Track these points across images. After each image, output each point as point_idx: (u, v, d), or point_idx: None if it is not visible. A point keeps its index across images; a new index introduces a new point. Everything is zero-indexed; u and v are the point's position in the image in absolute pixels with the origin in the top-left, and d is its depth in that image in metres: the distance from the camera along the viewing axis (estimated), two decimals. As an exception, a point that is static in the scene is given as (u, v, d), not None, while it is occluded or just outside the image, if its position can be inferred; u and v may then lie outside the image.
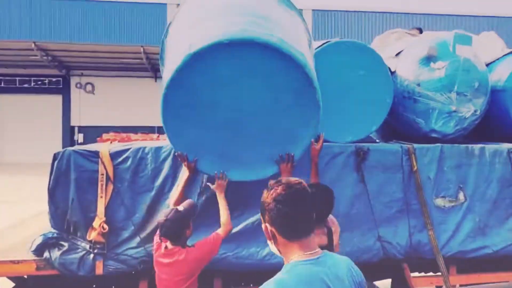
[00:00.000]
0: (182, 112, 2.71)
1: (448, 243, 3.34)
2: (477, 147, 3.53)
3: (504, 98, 3.96)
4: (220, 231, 2.72)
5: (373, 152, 3.35)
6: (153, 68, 16.62)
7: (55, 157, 3.04)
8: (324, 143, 3.40)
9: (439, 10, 15.00)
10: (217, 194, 2.84)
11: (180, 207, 2.57)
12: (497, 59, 4.27)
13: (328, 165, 3.28)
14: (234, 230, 2.90)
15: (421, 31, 4.95)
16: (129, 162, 3.08)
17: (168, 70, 2.75)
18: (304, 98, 2.77)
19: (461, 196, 3.42)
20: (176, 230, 2.50)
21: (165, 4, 14.13)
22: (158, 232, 2.61)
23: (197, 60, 2.56)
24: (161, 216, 2.55)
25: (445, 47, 3.77)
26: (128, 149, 3.11)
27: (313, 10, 15.22)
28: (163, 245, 2.56)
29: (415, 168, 3.39)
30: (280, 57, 2.61)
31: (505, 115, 3.96)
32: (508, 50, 4.38)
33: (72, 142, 18.14)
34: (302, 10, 15.17)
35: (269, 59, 2.61)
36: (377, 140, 4.47)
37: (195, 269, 2.57)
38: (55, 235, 3.02)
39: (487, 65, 4.12)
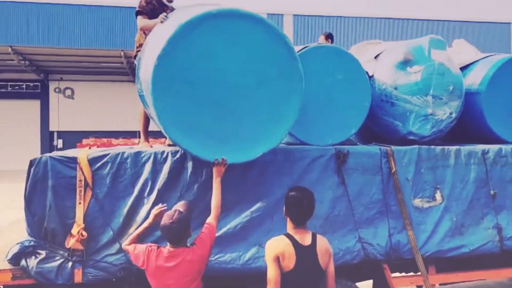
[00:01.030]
0: (172, 88, 2.74)
1: (427, 243, 3.41)
2: (452, 148, 3.62)
3: (478, 101, 4.07)
4: (211, 219, 2.74)
5: (353, 155, 3.40)
6: (133, 72, 16.43)
7: (31, 163, 2.97)
8: (304, 146, 3.44)
9: (417, 15, 15.35)
10: (214, 177, 2.88)
11: (180, 208, 2.55)
12: (471, 63, 4.40)
13: (308, 168, 3.32)
14: (217, 234, 2.89)
15: None
16: (107, 168, 3.03)
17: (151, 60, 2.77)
18: (286, 71, 2.92)
19: (438, 196, 3.50)
20: (182, 231, 2.48)
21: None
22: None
23: (186, 33, 2.68)
24: (165, 220, 2.49)
25: (421, 52, 3.86)
26: (107, 155, 3.06)
27: (294, 15, 15.36)
28: (164, 249, 2.52)
29: (394, 169, 3.45)
30: (263, 29, 2.81)
31: (479, 117, 4.07)
32: (482, 55, 4.51)
33: (51, 148, 17.76)
34: (283, 14, 15.32)
35: (253, 31, 2.79)
36: (357, 143, 4.53)
37: (203, 266, 2.58)
38: (32, 243, 2.94)
39: (461, 69, 4.24)
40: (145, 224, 2.82)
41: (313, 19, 15.34)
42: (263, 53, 2.84)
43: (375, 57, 4.13)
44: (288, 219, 2.50)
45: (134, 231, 2.87)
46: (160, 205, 2.83)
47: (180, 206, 2.62)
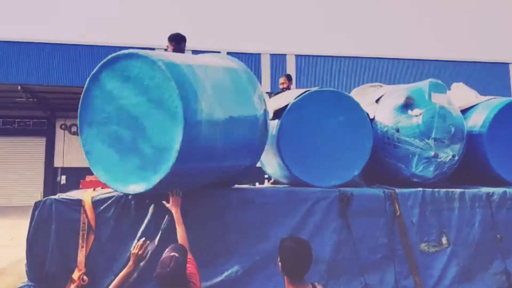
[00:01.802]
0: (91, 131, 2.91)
1: (434, 289, 3.33)
2: (457, 191, 3.61)
3: (481, 143, 4.10)
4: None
5: (357, 197, 3.39)
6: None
7: (36, 206, 2.98)
8: (307, 188, 3.44)
9: (417, 55, 15.69)
10: (173, 212, 2.83)
11: (175, 253, 2.41)
12: (472, 106, 4.47)
13: (312, 210, 3.31)
14: (218, 279, 2.84)
15: None
16: (112, 210, 3.04)
17: None
18: (164, 100, 2.70)
19: (444, 240, 3.45)
20: (180, 278, 2.36)
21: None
22: None
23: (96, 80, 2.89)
24: (161, 268, 2.31)
25: (421, 95, 3.95)
26: (111, 197, 3.07)
27: (296, 55, 15.76)
28: None
29: (398, 213, 3.43)
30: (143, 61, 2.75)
31: (482, 159, 4.09)
32: (482, 98, 4.59)
33: (55, 184, 17.76)
34: (286, 54, 15.71)
35: (146, 69, 2.73)
36: (361, 184, 4.53)
37: None
38: (31, 287, 2.90)
39: (463, 112, 4.30)
40: (127, 269, 2.68)
41: (315, 59, 15.72)
42: (146, 85, 2.76)
43: (376, 101, 4.21)
44: (285, 276, 2.24)
45: (114, 280, 2.71)
46: (141, 241, 2.73)
47: (174, 250, 2.46)
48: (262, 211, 3.23)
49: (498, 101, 4.30)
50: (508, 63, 16.32)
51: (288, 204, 3.28)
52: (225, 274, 3.04)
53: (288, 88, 5.62)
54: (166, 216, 3.07)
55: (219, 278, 2.99)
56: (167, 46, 4.41)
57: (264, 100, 3.39)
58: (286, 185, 4.05)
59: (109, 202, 3.05)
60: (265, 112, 3.35)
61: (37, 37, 15.93)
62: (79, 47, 14.34)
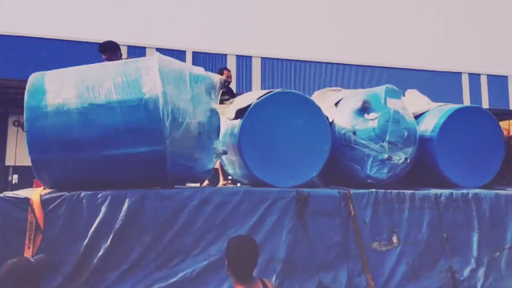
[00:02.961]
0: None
1: (385, 287, 3.44)
2: (408, 192, 3.75)
3: (431, 147, 4.29)
4: None
5: (313, 198, 3.46)
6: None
7: (-21, 204, 2.81)
8: (266, 188, 3.47)
9: (375, 62, 16.24)
10: None
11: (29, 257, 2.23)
12: (424, 112, 4.67)
13: (269, 209, 3.33)
14: (173, 279, 2.80)
15: None
16: (62, 209, 2.92)
17: None
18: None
19: (394, 239, 3.58)
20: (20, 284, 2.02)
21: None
22: None
23: None
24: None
25: (377, 100, 4.08)
26: (62, 195, 2.95)
27: (261, 57, 15.86)
28: None
29: (353, 213, 3.52)
30: None
31: (432, 162, 4.27)
32: (434, 104, 4.81)
33: (6, 183, 16.83)
34: (251, 57, 15.78)
35: None
36: (320, 185, 4.62)
37: None
38: (-29, 290, 2.73)
39: (416, 117, 4.49)
40: None
41: (280, 62, 15.89)
42: None
43: (336, 104, 4.32)
44: (232, 275, 2.24)
45: None
46: None
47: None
48: (220, 210, 3.21)
49: (449, 108, 4.52)
50: (461, 73, 17.22)
51: (246, 204, 3.29)
52: (180, 274, 3.00)
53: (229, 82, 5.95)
54: (119, 215, 2.99)
55: (174, 279, 2.94)
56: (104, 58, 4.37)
57: (165, 82, 3.08)
58: (245, 185, 4.06)
59: (59, 200, 2.93)
60: (164, 93, 3.00)
61: (-11, 28, 15.10)
62: (35, 39, 13.70)
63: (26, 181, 14.52)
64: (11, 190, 3.34)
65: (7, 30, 13.45)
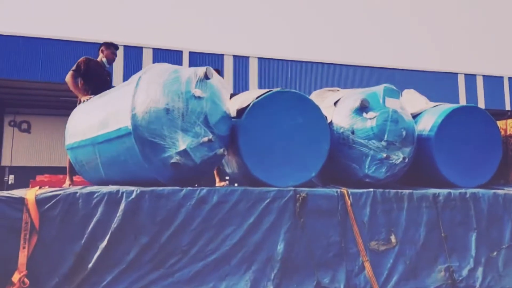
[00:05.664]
0: None
1: (384, 286, 3.42)
2: (406, 192, 3.74)
3: (429, 146, 4.29)
4: None
5: (311, 197, 3.44)
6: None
7: (-27, 204, 2.77)
8: (264, 188, 3.45)
9: (373, 63, 16.27)
10: None
11: None
12: (422, 111, 4.67)
13: (267, 209, 3.31)
14: (170, 279, 2.77)
15: None
16: (58, 209, 2.88)
17: None
18: None
19: (393, 239, 3.57)
20: None
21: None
22: None
23: None
24: None
25: (376, 99, 4.08)
26: (57, 195, 2.92)
27: (258, 58, 15.85)
28: None
29: (351, 212, 3.51)
30: None
31: (430, 162, 4.27)
32: (432, 104, 4.81)
33: (2, 184, 16.73)
34: (249, 57, 15.77)
35: None
36: (318, 184, 4.61)
37: None
38: (-35, 292, 2.69)
39: (414, 116, 4.49)
40: None
41: (277, 62, 15.89)
42: None
43: (334, 104, 4.31)
44: None
45: None
46: None
47: None
48: (217, 210, 3.19)
49: (446, 107, 4.52)
50: (457, 73, 17.29)
51: (243, 203, 3.27)
52: (177, 274, 2.97)
53: None
54: (117, 215, 2.96)
55: (171, 279, 2.91)
56: (101, 51, 4.79)
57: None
58: (243, 185, 4.04)
59: (55, 200, 2.89)
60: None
61: (-16, 27, 15.01)
62: (32, 39, 13.62)
63: (22, 182, 14.43)
64: (7, 190, 3.30)
65: (3, 30, 13.37)
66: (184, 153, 3.16)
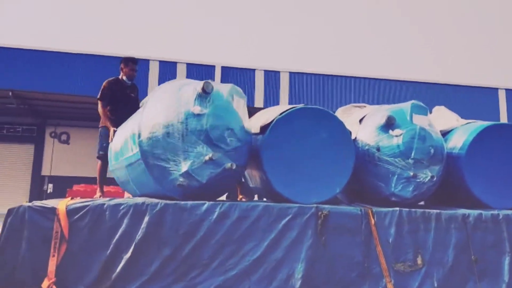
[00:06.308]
0: None
1: (408, 309, 3.32)
2: (433, 212, 3.63)
3: (459, 165, 4.15)
4: None
5: (333, 214, 3.40)
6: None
7: (9, 212, 2.95)
8: (285, 204, 3.45)
9: (408, 77, 15.95)
10: None
11: None
12: (453, 129, 4.54)
13: (288, 225, 3.30)
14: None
15: None
16: (86, 219, 3.02)
17: None
18: None
19: (419, 260, 3.46)
20: None
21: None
22: None
23: None
24: None
25: (403, 116, 4.01)
26: (86, 206, 3.06)
27: (289, 72, 15.94)
28: None
29: (375, 231, 3.44)
30: None
31: (461, 181, 4.13)
32: (463, 121, 4.68)
33: (41, 193, 17.54)
34: (280, 72, 15.89)
35: None
36: (342, 202, 4.55)
37: None
38: (-2, 296, 2.85)
39: (444, 134, 4.37)
40: None
41: (308, 77, 15.91)
42: None
43: (360, 121, 4.27)
44: None
45: None
46: None
47: None
48: (238, 225, 3.22)
49: (479, 125, 4.38)
50: (498, 88, 16.61)
51: (264, 219, 3.29)
52: (198, 287, 3.01)
53: None
54: (141, 227, 3.06)
55: (191, 293, 2.96)
56: (121, 69, 4.98)
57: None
58: (266, 200, 4.06)
59: (83, 211, 3.03)
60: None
61: (29, 43, 15.99)
62: (72, 55, 14.37)
63: (60, 190, 15.07)
64: (46, 198, 3.49)
65: (46, 46, 14.19)
66: (187, 174, 3.17)
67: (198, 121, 3.22)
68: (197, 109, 3.23)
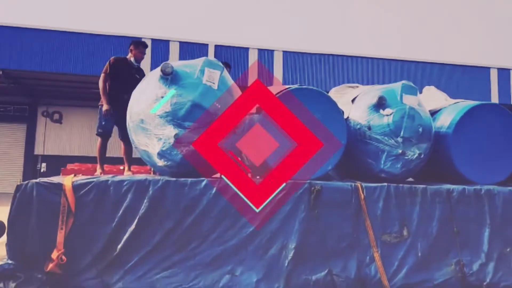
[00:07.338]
0: None
1: (394, 277, 3.55)
2: (420, 187, 3.84)
3: (446, 143, 4.34)
4: None
5: (326, 190, 3.59)
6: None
7: (17, 188, 3.09)
8: (281, 180, 3.62)
9: (402, 56, 16.00)
10: None
11: None
12: (441, 108, 4.71)
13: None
14: (191, 261, 3.01)
15: None
16: (91, 195, 3.17)
17: None
18: None
19: (405, 232, 3.68)
20: None
21: (139, 37, 14.38)
22: None
23: None
24: None
25: (393, 96, 4.16)
26: (91, 182, 3.21)
27: (283, 51, 15.91)
28: None
29: (364, 205, 3.64)
30: None
31: (447, 158, 4.33)
32: (451, 101, 4.84)
33: (34, 171, 17.56)
34: (274, 50, 15.85)
35: None
36: (334, 178, 4.73)
37: None
38: (11, 266, 3.01)
39: (432, 113, 4.54)
40: None
41: (302, 56, 15.90)
42: None
43: (352, 100, 4.42)
44: None
45: None
46: None
47: None
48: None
49: (465, 104, 4.54)
50: (489, 67, 16.74)
51: (261, 194, 3.46)
52: (198, 257, 3.21)
53: None
54: (143, 202, 3.22)
55: (192, 261, 3.15)
56: (130, 50, 5.03)
57: None
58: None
59: (89, 187, 3.18)
60: None
61: (18, 21, 15.67)
62: (63, 33, 14.17)
63: (53, 170, 15.11)
64: (40, 177, 3.62)
65: (37, 24, 13.94)
66: (161, 156, 3.30)
67: (165, 104, 3.31)
68: (160, 93, 3.35)
